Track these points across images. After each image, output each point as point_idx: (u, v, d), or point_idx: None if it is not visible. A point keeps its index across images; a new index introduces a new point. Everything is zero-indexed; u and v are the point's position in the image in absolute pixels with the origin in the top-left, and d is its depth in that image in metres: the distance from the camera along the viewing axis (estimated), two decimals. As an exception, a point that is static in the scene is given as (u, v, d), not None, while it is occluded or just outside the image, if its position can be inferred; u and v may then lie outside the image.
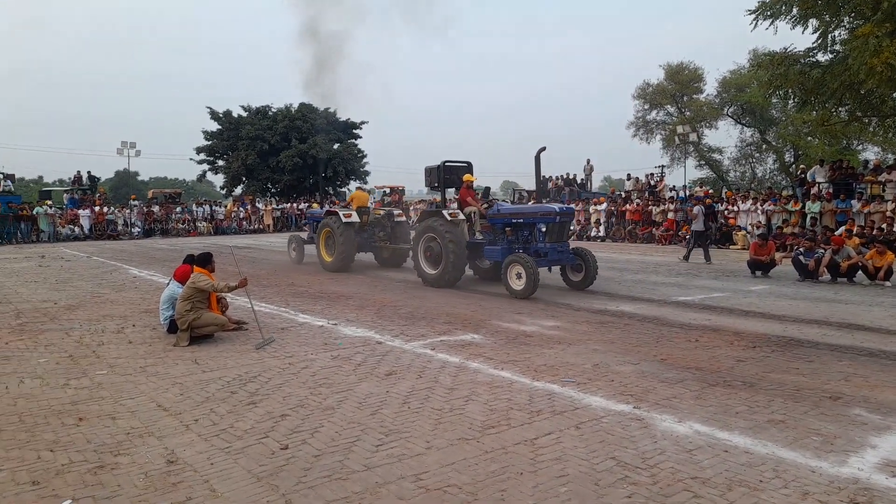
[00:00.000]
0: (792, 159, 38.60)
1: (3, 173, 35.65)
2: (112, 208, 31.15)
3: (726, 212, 22.57)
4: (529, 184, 34.02)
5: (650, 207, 25.09)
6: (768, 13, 16.01)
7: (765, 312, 9.16)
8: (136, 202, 33.23)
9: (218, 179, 46.29)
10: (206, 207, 34.57)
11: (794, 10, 15.76)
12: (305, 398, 5.27)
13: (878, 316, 8.90)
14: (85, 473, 3.84)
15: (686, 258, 16.82)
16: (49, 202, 29.66)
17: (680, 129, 34.77)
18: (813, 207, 19.73)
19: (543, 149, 11.82)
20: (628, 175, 30.81)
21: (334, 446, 4.24)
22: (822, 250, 13.09)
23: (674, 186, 29.09)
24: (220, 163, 43.18)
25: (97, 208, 29.80)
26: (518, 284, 10.56)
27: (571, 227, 12.47)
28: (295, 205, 36.34)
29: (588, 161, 33.37)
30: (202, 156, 42.99)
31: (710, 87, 41.20)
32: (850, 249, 12.74)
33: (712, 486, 3.61)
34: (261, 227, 34.85)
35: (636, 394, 5.32)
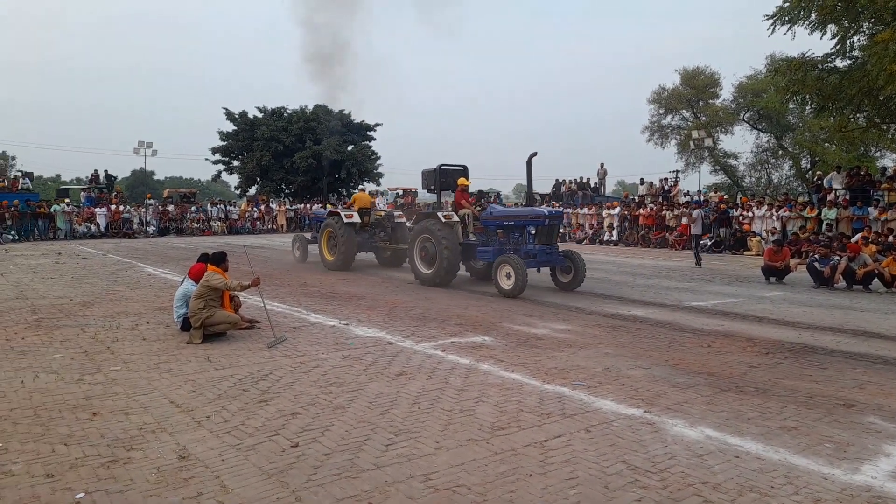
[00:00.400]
0: (808, 165, 38.25)
1: (21, 171, 36.25)
2: (128, 207, 31.46)
3: (741, 217, 22.41)
4: (542, 187, 34.00)
5: (664, 212, 24.96)
6: (786, 18, 15.88)
7: (779, 319, 9.08)
8: (152, 201, 33.55)
9: (233, 179, 46.70)
10: (221, 207, 34.83)
11: (813, 16, 15.62)
12: (316, 397, 5.29)
13: (893, 324, 8.79)
14: (98, 467, 3.89)
15: (699, 263, 16.77)
16: (67, 200, 30.00)
17: (695, 134, 34.55)
18: (829, 214, 19.55)
19: (535, 154, 12.30)
20: (642, 179, 30.68)
21: (344, 445, 4.26)
22: (838, 257, 12.97)
23: (688, 191, 28.90)
24: (235, 163, 43.50)
25: (113, 207, 30.11)
26: (507, 284, 10.95)
27: (560, 231, 12.94)
28: (308, 206, 36.52)
29: (602, 165, 33.29)
30: (217, 156, 43.33)
31: (727, 92, 40.96)
32: (867, 257, 12.60)
33: (723, 492, 3.59)
34: (274, 227, 35.05)
35: (647, 398, 5.30)
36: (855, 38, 16.05)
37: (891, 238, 16.16)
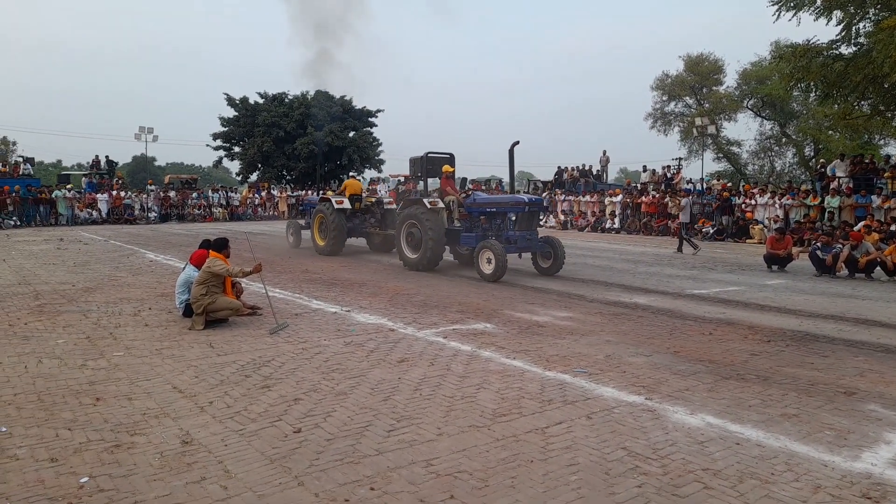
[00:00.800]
0: (812, 153, 38.10)
1: (22, 157, 36.21)
2: (129, 193, 31.43)
3: (744, 205, 22.36)
4: (544, 175, 33.89)
5: (666, 200, 24.90)
6: (791, 4, 15.78)
7: (780, 307, 9.09)
8: (153, 187, 33.49)
9: (234, 166, 46.53)
10: (222, 193, 34.78)
11: (818, 2, 15.51)
12: (318, 383, 5.31)
13: (895, 312, 8.79)
14: (102, 452, 3.91)
15: (695, 249, 17.01)
16: (70, 186, 29.97)
17: (698, 121, 34.38)
18: (832, 202, 19.49)
19: (517, 143, 12.60)
20: (644, 167, 30.58)
21: (346, 431, 4.28)
22: (840, 245, 12.94)
23: (690, 179, 28.81)
24: (237, 149, 43.37)
25: (115, 193, 30.08)
26: (488, 268, 11.33)
27: (541, 217, 13.34)
28: (310, 192, 36.47)
29: (604, 152, 33.18)
30: (218, 142, 43.19)
31: (730, 79, 40.74)
32: (869, 245, 12.57)
33: (723, 478, 3.61)
34: (276, 213, 35.02)
35: (648, 385, 5.31)
36: (861, 25, 15.95)
37: (893, 226, 16.13)
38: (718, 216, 22.64)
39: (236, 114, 42.35)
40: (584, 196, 28.70)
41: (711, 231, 21.94)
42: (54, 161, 70.50)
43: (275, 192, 36.59)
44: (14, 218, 25.82)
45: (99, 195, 29.39)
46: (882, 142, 33.75)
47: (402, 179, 41.91)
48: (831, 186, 20.31)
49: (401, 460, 3.82)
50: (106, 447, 3.98)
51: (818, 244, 13.30)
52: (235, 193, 36.21)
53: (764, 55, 37.59)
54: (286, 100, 42.70)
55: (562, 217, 28.29)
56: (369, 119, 44.16)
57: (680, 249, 17.10)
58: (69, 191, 28.74)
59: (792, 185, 24.05)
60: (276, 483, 3.53)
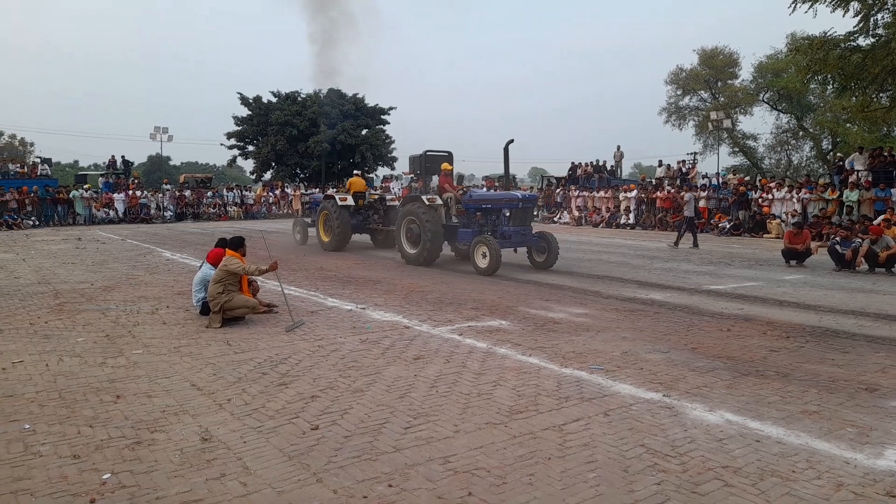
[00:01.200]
0: (830, 146, 37.63)
1: (40, 157, 36.58)
2: (145, 192, 31.70)
3: (760, 200, 22.13)
4: (558, 171, 33.76)
5: (682, 195, 24.71)
6: (808, -4, 15.56)
7: (799, 302, 8.99)
8: (169, 186, 33.78)
9: (248, 164, 46.72)
10: (237, 192, 35.00)
11: (835, -7, 15.29)
12: (335, 380, 5.33)
13: (917, 307, 8.67)
14: (123, 449, 3.95)
15: (676, 244, 17.21)
16: (87, 186, 30.30)
17: (713, 115, 34.08)
18: (851, 196, 19.23)
19: (511, 141, 12.97)
20: (660, 162, 30.35)
21: (363, 428, 4.29)
22: (860, 240, 12.76)
23: (706, 174, 28.57)
24: (250, 148, 43.57)
25: (131, 192, 30.37)
26: (483, 263, 11.68)
27: (535, 213, 13.84)
28: (333, 190, 36.58)
29: (618, 147, 32.98)
30: (232, 141, 43.42)
31: (746, 73, 40.33)
32: (889, 239, 12.39)
33: (744, 476, 3.58)
34: (290, 212, 35.16)
35: (666, 382, 5.28)
36: (879, 16, 15.70)
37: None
38: (735, 211, 22.43)
39: (250, 113, 42.54)
40: (598, 192, 28.54)
41: (728, 226, 21.75)
42: (71, 162, 71.33)
43: (288, 191, 36.75)
44: (33, 218, 26.16)
45: (115, 195, 29.69)
46: (901, 134, 33.26)
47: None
48: (850, 180, 20.03)
49: (418, 457, 3.83)
50: (127, 444, 4.03)
51: (837, 238, 13.14)
52: (250, 192, 36.42)
53: (780, 48, 37.22)
54: (299, 98, 42.83)
55: (576, 213, 28.16)
56: (382, 117, 44.18)
57: (676, 244, 17.18)
58: (86, 191, 29.05)
59: (810, 179, 23.77)
60: (295, 480, 3.55)
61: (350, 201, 16.28)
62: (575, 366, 5.76)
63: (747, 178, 27.28)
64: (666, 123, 42.84)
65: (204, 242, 17.74)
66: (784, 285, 10.57)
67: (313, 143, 39.74)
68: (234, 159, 45.52)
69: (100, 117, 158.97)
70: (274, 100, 42.80)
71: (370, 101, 43.25)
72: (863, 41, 16.08)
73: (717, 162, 34.31)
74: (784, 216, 20.79)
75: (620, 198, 26.87)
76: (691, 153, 33.24)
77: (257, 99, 42.35)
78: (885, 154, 21.01)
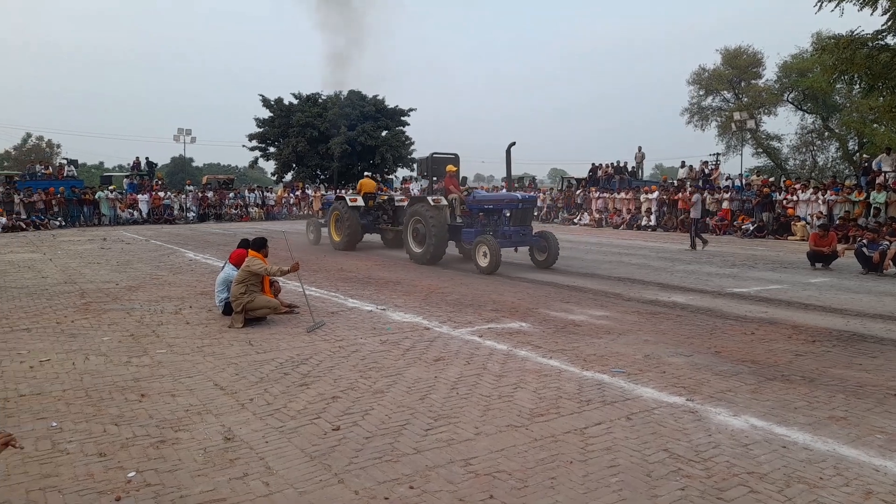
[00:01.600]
0: (856, 147, 36.96)
1: (66, 159, 37.21)
2: (168, 193, 32.10)
3: (785, 202, 21.80)
4: (578, 172, 33.58)
5: (704, 196, 24.44)
6: (834, -6, 15.28)
7: (825, 306, 8.83)
8: (191, 188, 34.16)
9: (269, 166, 47.14)
10: (258, 193, 35.30)
11: (863, -9, 15.00)
12: (356, 381, 5.35)
13: (948, 312, 8.47)
14: (147, 447, 4.00)
15: (693, 247, 17.03)
16: (112, 187, 30.77)
17: (737, 116, 33.63)
18: (878, 197, 18.86)
19: (514, 143, 13.57)
20: (682, 162, 30.03)
21: (384, 429, 4.30)
22: (888, 242, 12.52)
23: (729, 175, 28.21)
24: (272, 149, 43.95)
25: (154, 193, 30.76)
26: (484, 262, 12.05)
27: (535, 213, 14.51)
28: (343, 192, 36.77)
29: (639, 148, 32.71)
30: (254, 142, 43.84)
31: (770, 72, 39.76)
32: (919, 242, 12.14)
33: (770, 482, 3.52)
34: (310, 212, 35.38)
35: (689, 386, 5.22)
36: (908, 14, 15.35)
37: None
38: (758, 213, 22.12)
39: (271, 115, 42.91)
40: (618, 193, 28.33)
41: (751, 228, 21.46)
42: (97, 163, 72.54)
43: (309, 192, 36.98)
44: (59, 218, 26.63)
45: (140, 196, 30.10)
46: (930, 135, 32.56)
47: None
48: (877, 181, 19.65)
49: (439, 459, 3.83)
50: (151, 442, 4.08)
51: (864, 241, 12.89)
52: (271, 193, 36.71)
53: (805, 47, 36.62)
54: (320, 100, 43.11)
55: (596, 215, 27.98)
56: (402, 118, 44.30)
57: (693, 246, 17.00)
58: (111, 192, 29.50)
59: (836, 181, 23.36)
60: (317, 480, 3.56)
61: (360, 202, 16.71)
62: (596, 369, 5.72)
63: (771, 180, 26.89)
64: (688, 124, 42.43)
65: (226, 243, 17.92)
66: (809, 288, 10.40)
67: (334, 144, 39.97)
68: (255, 161, 45.96)
69: (125, 119, 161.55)
70: (295, 102, 43.13)
71: (390, 103, 43.36)
72: (891, 40, 15.75)
73: (741, 163, 33.89)
74: (809, 218, 20.45)
75: (641, 199, 26.63)
76: (714, 154, 32.89)
77: (279, 101, 42.71)
78: (914, 155, 20.58)
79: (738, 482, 3.52)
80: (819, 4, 15.62)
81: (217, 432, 4.25)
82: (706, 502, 3.31)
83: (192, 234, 22.52)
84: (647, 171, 37.60)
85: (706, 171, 27.88)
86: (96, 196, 28.49)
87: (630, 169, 31.52)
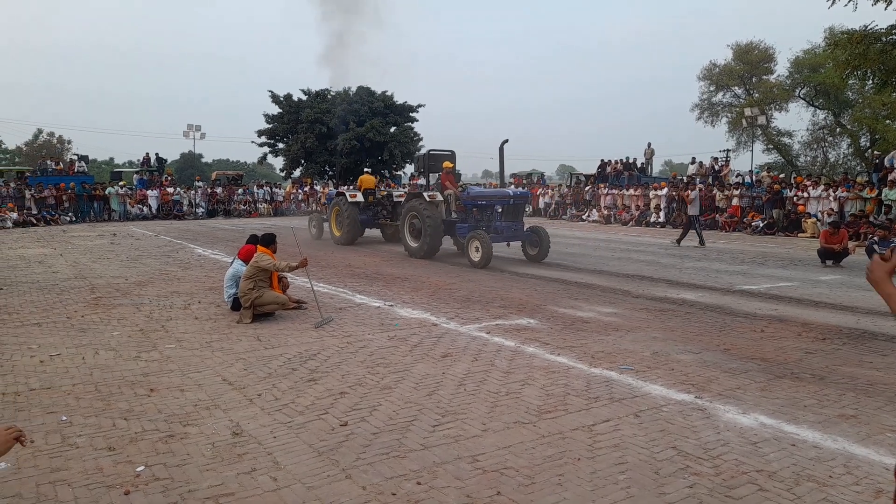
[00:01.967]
0: (868, 143, 36.59)
1: (77, 155, 37.44)
2: (178, 189, 32.24)
3: (795, 198, 21.65)
4: (587, 168, 33.45)
5: (714, 193, 24.30)
6: (848, -11, 15.10)
7: (836, 303, 8.77)
8: (201, 183, 34.30)
9: (278, 162, 47.22)
10: (267, 189, 35.42)
11: (877, -15, 14.82)
12: (363, 377, 5.36)
13: (961, 310, 8.38)
14: (156, 442, 4.03)
15: (678, 242, 17.21)
16: (122, 183, 30.94)
17: (748, 112, 33.42)
18: (890, 195, 18.70)
19: (506, 141, 14.08)
20: (693, 159, 29.83)
21: (392, 425, 4.31)
22: (900, 239, 12.41)
23: (739, 172, 28.02)
24: (280, 145, 44.02)
25: (164, 189, 30.90)
26: (476, 255, 12.43)
27: (526, 209, 15.41)
28: (351, 187, 36.79)
29: (649, 145, 32.53)
30: (263, 138, 43.92)
31: (782, 68, 39.40)
32: (932, 239, 12.02)
33: (779, 480, 3.50)
34: (318, 208, 35.46)
35: (698, 383, 5.20)
36: (923, 9, 15.17)
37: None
38: (769, 209, 21.97)
39: (280, 111, 42.96)
40: (627, 189, 28.21)
41: (761, 225, 21.32)
42: (107, 159, 72.81)
43: (317, 188, 37.05)
44: (70, 214, 26.81)
45: (149, 191, 30.25)
46: (944, 131, 32.19)
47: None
48: (889, 178, 19.47)
49: (446, 455, 3.83)
50: (160, 437, 4.10)
51: (875, 238, 12.80)
52: (279, 189, 36.83)
53: (817, 42, 36.26)
54: (329, 96, 43.12)
55: (605, 211, 27.87)
56: (410, 114, 44.25)
57: (678, 242, 17.18)
58: (121, 187, 29.66)
59: (847, 177, 23.16)
60: (325, 475, 3.57)
61: (360, 198, 17.07)
62: (604, 366, 5.70)
63: (782, 176, 26.70)
64: (698, 120, 42.14)
65: (235, 239, 17.98)
66: (820, 286, 10.33)
67: (342, 140, 39.98)
68: (264, 157, 45.99)
69: (135, 115, 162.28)
70: (304, 97, 43.17)
71: (399, 99, 43.29)
72: (905, 35, 15.57)
73: (751, 159, 33.78)
74: (820, 215, 20.30)
75: (650, 196, 26.51)
76: (724, 150, 32.67)
77: (288, 97, 42.73)
78: (927, 151, 20.38)
79: (747, 480, 3.50)
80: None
81: (225, 427, 4.26)
82: (715, 500, 3.30)
83: (201, 230, 22.61)
84: (657, 168, 37.51)
85: (716, 167, 27.72)
86: (106, 192, 28.66)
87: (639, 165, 31.37)
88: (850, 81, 28.59)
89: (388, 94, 42.86)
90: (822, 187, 21.45)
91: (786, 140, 40.78)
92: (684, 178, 27.71)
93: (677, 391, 5.00)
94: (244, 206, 32.74)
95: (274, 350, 6.25)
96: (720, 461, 3.74)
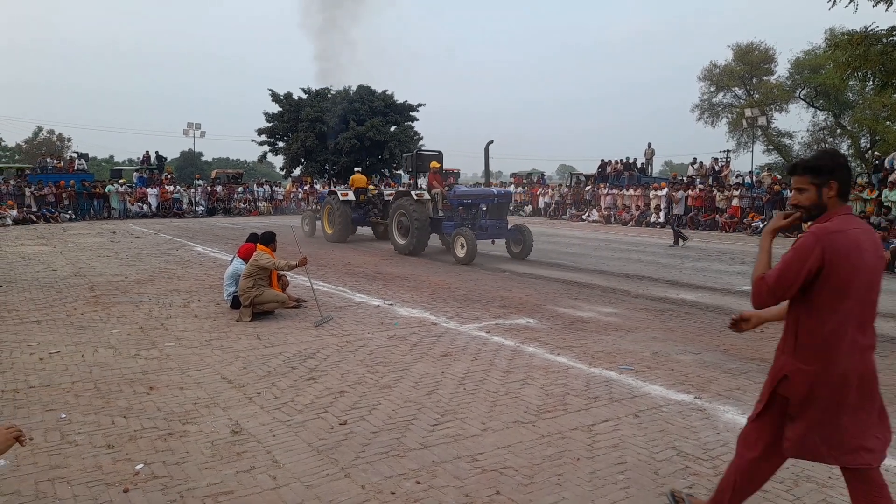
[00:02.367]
0: (868, 145, 36.61)
1: (77, 152, 37.41)
2: (178, 187, 32.22)
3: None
4: (587, 168, 33.45)
5: (714, 193, 24.30)
6: (849, -10, 15.11)
7: (835, 304, 8.75)
8: (200, 182, 34.28)
9: (278, 160, 47.24)
10: (266, 188, 35.39)
11: (878, -14, 14.84)
12: (363, 376, 5.36)
13: (960, 311, 8.39)
14: (156, 440, 4.02)
15: (678, 243, 17.49)
16: (122, 181, 30.91)
17: (748, 112, 33.43)
18: (890, 195, 18.69)
19: (491, 142, 14.61)
20: (694, 159, 29.83)
21: (391, 424, 4.30)
22: (900, 241, 12.41)
23: (739, 172, 28.01)
24: (280, 144, 44.02)
25: (163, 187, 30.88)
26: (461, 252, 12.84)
27: (510, 207, 16.71)
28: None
29: (649, 145, 32.51)
30: (263, 137, 43.93)
31: (782, 69, 39.41)
32: (931, 240, 12.03)
33: (778, 481, 3.49)
34: (314, 207, 35.44)
35: (697, 384, 5.20)
36: (924, 10, 15.17)
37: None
38: (769, 210, 21.97)
39: (280, 109, 42.95)
40: (627, 190, 28.21)
41: (761, 225, 21.31)
42: (107, 157, 72.76)
43: (317, 187, 37.04)
44: (69, 211, 26.79)
45: (149, 189, 30.22)
46: (944, 132, 32.19)
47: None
48: (889, 179, 19.46)
49: (445, 455, 3.83)
50: (159, 435, 4.09)
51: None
52: (279, 188, 36.80)
53: (818, 43, 36.26)
54: (329, 95, 43.11)
55: (605, 212, 27.87)
56: (410, 113, 44.26)
57: (676, 243, 17.42)
58: (121, 185, 29.64)
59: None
60: (324, 474, 3.57)
61: (351, 196, 17.42)
62: (604, 366, 5.70)
63: (781, 177, 26.70)
64: (699, 121, 42.16)
65: (234, 237, 17.97)
66: (820, 287, 10.31)
67: (342, 139, 40.00)
68: (264, 155, 46.03)
69: (135, 113, 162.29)
70: (304, 96, 43.16)
71: (399, 98, 43.31)
72: (906, 36, 15.56)
73: (751, 160, 33.77)
74: (820, 216, 20.28)
75: (651, 196, 26.50)
76: (724, 151, 32.66)
77: (288, 95, 42.74)
78: (928, 153, 20.38)
79: (747, 481, 3.50)
80: (833, 0, 15.46)
81: (225, 425, 4.26)
82: (714, 501, 3.29)
83: (200, 228, 22.60)
84: (657, 168, 37.48)
85: (716, 167, 27.72)
86: (106, 189, 28.64)
87: (640, 165, 31.37)
88: (851, 82, 28.60)
89: (389, 93, 42.88)
90: (822, 188, 21.42)
91: (786, 141, 40.82)
92: (684, 179, 27.70)
93: (677, 391, 5.00)
94: (244, 204, 32.70)
95: (273, 348, 6.24)
96: (719, 461, 3.74)
